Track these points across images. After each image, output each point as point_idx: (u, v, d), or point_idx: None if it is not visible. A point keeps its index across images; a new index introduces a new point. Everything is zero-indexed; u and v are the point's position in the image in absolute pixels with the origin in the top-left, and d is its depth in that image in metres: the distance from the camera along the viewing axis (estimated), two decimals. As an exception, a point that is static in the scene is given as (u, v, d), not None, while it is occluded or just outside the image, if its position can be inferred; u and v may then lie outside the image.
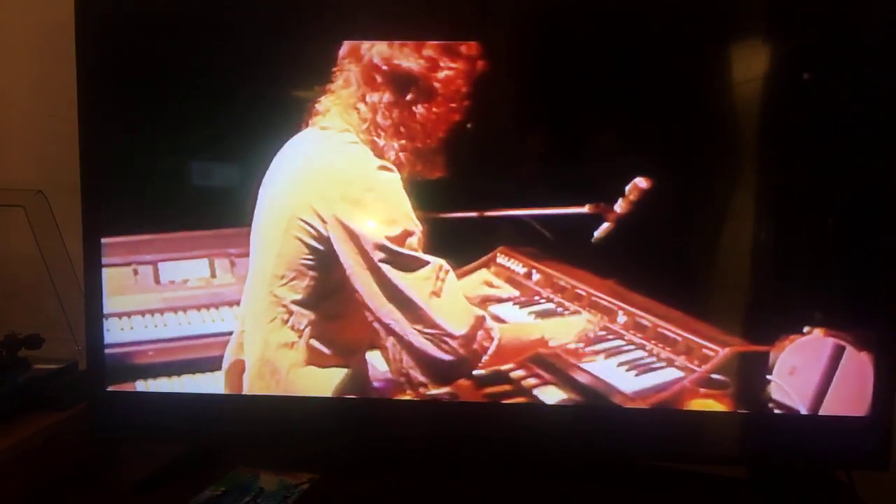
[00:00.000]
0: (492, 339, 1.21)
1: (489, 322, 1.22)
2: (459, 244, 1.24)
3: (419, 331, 1.19)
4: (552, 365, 1.24)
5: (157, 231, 1.28)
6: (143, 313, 1.30)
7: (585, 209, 1.20)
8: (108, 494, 1.25)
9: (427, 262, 1.19)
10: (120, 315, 1.29)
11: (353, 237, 1.17)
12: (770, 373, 1.20)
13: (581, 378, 1.23)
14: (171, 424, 1.29)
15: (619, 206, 1.20)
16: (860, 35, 1.17)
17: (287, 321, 1.21)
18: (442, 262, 1.20)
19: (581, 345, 1.25)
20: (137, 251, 1.28)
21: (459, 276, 1.24)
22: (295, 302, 1.20)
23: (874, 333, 1.18)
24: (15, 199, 1.36)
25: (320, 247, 1.19)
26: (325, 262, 1.19)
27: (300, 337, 1.21)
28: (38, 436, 1.23)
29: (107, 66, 1.24)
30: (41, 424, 1.25)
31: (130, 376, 1.29)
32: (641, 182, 1.19)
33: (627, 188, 1.19)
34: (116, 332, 1.28)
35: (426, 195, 1.20)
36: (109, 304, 1.28)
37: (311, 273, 1.20)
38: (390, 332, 1.19)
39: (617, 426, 1.22)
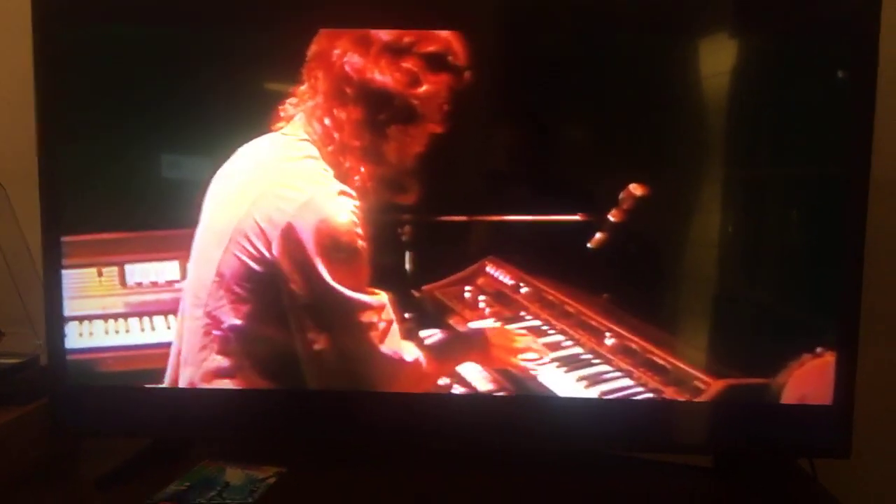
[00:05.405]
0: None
1: (421, 359, 1.19)
2: (448, 251, 1.21)
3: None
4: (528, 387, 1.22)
5: (123, 230, 1.24)
6: (105, 318, 1.26)
7: (577, 217, 1.16)
8: (70, 490, 1.24)
9: (369, 306, 1.13)
10: (80, 319, 1.25)
11: (297, 266, 1.11)
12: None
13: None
14: (134, 419, 1.28)
15: (613, 215, 1.15)
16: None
17: (222, 347, 1.15)
18: (385, 301, 1.15)
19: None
20: (102, 251, 1.24)
21: (448, 285, 1.21)
22: (231, 327, 1.15)
23: (834, 321, 1.18)
24: (-28, 191, 1.33)
25: (260, 269, 1.12)
26: (265, 287, 1.12)
27: (235, 363, 1.17)
28: (-1, 431, 1.21)
29: (65, 54, 1.20)
30: (1, 419, 1.22)
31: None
32: (636, 189, 1.14)
33: (621, 195, 1.15)
34: (74, 338, 1.25)
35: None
36: (70, 306, 1.25)
37: (251, 297, 1.13)
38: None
39: (583, 416, 1.23)
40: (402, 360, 1.18)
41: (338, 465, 1.29)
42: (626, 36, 1.19)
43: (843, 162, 1.17)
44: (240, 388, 1.20)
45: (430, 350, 1.21)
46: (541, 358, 1.21)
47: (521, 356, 1.22)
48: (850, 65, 1.15)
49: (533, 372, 1.21)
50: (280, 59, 1.16)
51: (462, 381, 1.24)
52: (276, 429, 1.29)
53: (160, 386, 1.25)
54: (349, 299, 1.12)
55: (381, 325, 1.14)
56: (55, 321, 1.25)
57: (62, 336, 1.25)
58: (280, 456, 1.28)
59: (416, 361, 1.20)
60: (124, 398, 1.27)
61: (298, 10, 1.17)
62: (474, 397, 1.24)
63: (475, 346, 1.23)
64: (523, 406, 1.25)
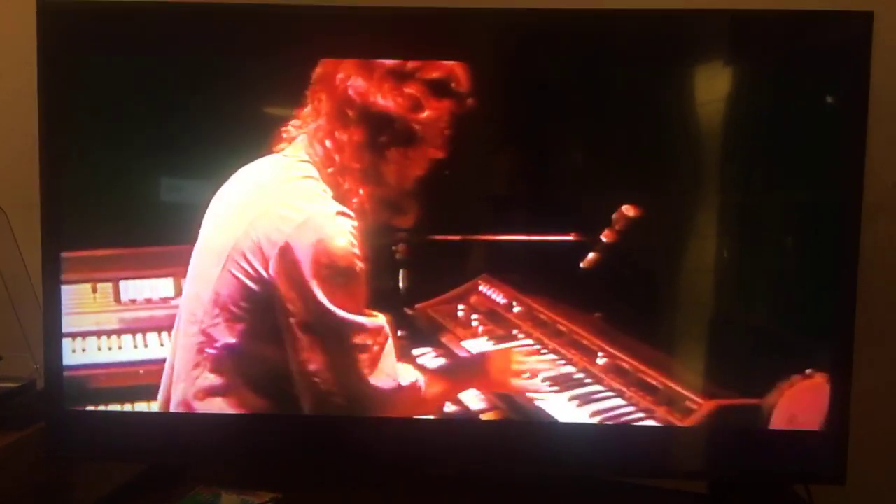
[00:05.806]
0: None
1: (419, 382, 1.19)
2: (442, 269, 1.21)
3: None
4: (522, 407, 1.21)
5: (118, 246, 1.24)
6: (98, 334, 1.26)
7: (571, 237, 1.17)
8: (66, 515, 1.23)
9: (365, 328, 1.13)
10: (74, 335, 1.25)
11: (293, 286, 1.10)
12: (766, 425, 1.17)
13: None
14: (130, 444, 1.27)
15: (606, 236, 1.15)
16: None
17: (215, 365, 1.15)
18: (382, 322, 1.15)
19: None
20: (97, 267, 1.24)
21: (441, 303, 1.21)
22: (226, 345, 1.14)
23: (828, 346, 1.18)
24: (-27, 216, 1.34)
25: (257, 288, 1.12)
26: (261, 306, 1.12)
27: (227, 381, 1.16)
28: (-5, 456, 1.20)
29: (70, 81, 1.22)
30: (-1, 444, 1.22)
31: (83, 401, 1.26)
32: (629, 210, 1.15)
33: (614, 216, 1.15)
34: (68, 354, 1.25)
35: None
36: (65, 322, 1.24)
37: (246, 316, 1.13)
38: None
39: (578, 441, 1.22)
40: (397, 384, 1.17)
41: (334, 490, 1.28)
42: (622, 62, 1.21)
43: (836, 185, 1.18)
44: (235, 413, 1.19)
45: (429, 376, 1.21)
46: (537, 378, 1.21)
47: (521, 378, 1.21)
48: (842, 90, 1.16)
49: (531, 394, 1.21)
50: (284, 82, 1.17)
51: (455, 401, 1.23)
52: (271, 454, 1.28)
53: (156, 412, 1.24)
54: (343, 321, 1.12)
55: (375, 349, 1.14)
56: (53, 342, 1.25)
57: (60, 359, 1.24)
58: (275, 481, 1.27)
59: (414, 385, 1.19)
60: (120, 423, 1.27)
61: (300, 41, 1.18)
62: (470, 423, 1.24)
63: (476, 371, 1.23)
64: (518, 432, 1.24)
